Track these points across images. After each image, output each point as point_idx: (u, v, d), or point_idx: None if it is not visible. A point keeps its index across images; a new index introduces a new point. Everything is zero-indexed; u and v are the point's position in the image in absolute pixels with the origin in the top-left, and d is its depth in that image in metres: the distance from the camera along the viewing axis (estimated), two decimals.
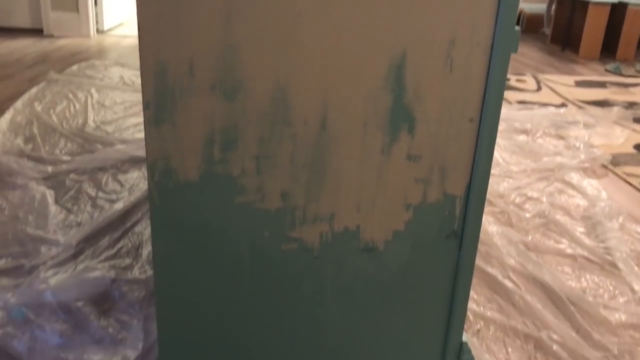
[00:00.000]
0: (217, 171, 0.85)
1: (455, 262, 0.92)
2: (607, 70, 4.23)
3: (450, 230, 0.90)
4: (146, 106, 0.81)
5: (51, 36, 4.33)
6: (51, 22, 4.34)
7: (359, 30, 0.79)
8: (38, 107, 2.60)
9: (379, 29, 0.79)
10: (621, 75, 4.10)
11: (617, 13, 4.67)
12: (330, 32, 0.79)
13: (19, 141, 2.21)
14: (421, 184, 0.87)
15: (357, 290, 0.94)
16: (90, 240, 1.53)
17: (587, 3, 4.60)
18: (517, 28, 0.79)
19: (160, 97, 0.80)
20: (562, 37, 4.91)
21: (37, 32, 4.39)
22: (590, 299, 1.41)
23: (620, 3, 4.63)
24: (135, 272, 1.38)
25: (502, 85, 0.81)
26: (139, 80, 3.20)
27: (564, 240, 1.71)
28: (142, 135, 2.34)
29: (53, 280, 1.29)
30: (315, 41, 0.79)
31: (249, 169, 0.85)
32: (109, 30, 4.73)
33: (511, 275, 1.51)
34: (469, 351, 0.97)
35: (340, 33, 0.79)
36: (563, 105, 3.20)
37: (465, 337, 0.98)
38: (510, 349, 1.26)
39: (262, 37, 0.78)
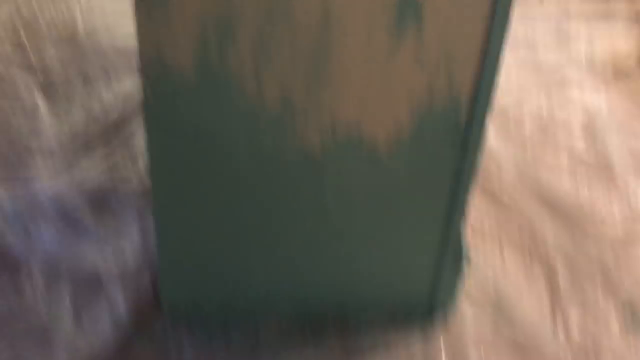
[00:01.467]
0: (213, 68, 0.81)
1: (459, 165, 0.90)
2: None
3: (456, 136, 0.88)
4: None
5: None
6: None
7: None
8: (25, 12, 2.50)
9: None
10: None
11: None
12: None
13: (7, 50, 2.13)
14: (427, 83, 0.84)
15: (358, 195, 0.93)
16: (86, 149, 1.51)
17: None
18: None
19: None
20: None
21: None
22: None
23: None
24: (134, 181, 1.36)
25: None
26: None
27: (563, 155, 1.69)
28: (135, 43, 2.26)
29: (51, 189, 1.28)
30: None
31: (247, 67, 0.82)
32: None
33: (509, 189, 1.50)
34: (467, 254, 0.98)
35: None
36: (565, 15, 3.10)
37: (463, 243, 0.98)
38: (506, 260, 1.27)
39: None
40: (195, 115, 0.85)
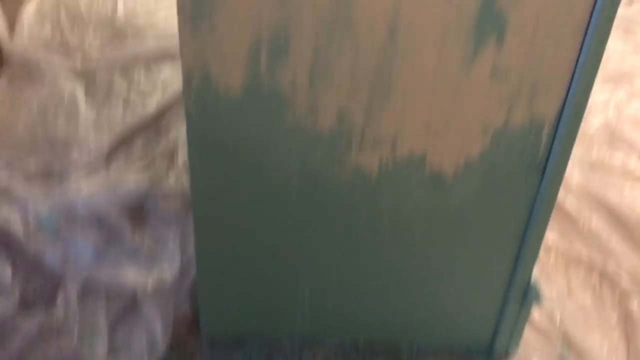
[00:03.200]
0: (263, 84, 0.72)
1: (534, 197, 0.80)
2: None
3: (533, 160, 0.77)
4: (181, 3, 0.67)
5: None
6: None
7: None
8: None
9: None
10: None
11: None
12: None
13: (46, 32, 2.08)
14: (505, 105, 0.73)
15: (417, 223, 0.84)
16: (122, 145, 1.45)
17: None
18: None
19: None
20: None
21: None
22: None
23: None
24: (171, 182, 1.29)
25: None
26: None
27: (632, 158, 1.56)
28: (176, 27, 2.19)
29: (85, 189, 1.22)
30: None
31: (300, 83, 0.73)
32: None
33: (574, 196, 1.38)
34: (537, 293, 0.88)
35: None
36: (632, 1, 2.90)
37: (534, 278, 0.88)
38: (572, 279, 1.16)
39: None
40: (242, 132, 0.77)
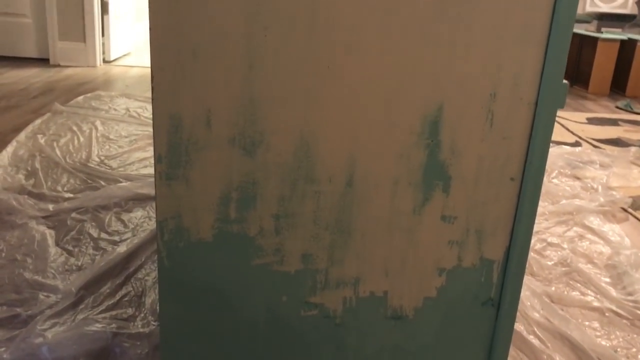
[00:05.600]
0: (232, 230, 0.78)
1: (492, 332, 0.84)
2: (617, 107, 4.17)
3: (487, 297, 0.82)
4: (158, 160, 0.74)
5: (57, 66, 4.31)
6: (58, 52, 4.32)
7: (392, 82, 0.72)
8: (41, 140, 2.54)
9: (414, 81, 0.73)
10: (632, 112, 4.04)
11: (627, 49, 4.65)
12: (360, 84, 0.72)
13: (21, 176, 2.14)
14: (456, 247, 0.80)
15: (382, 358, 0.86)
16: (91, 286, 1.45)
17: (596, 39, 4.58)
18: (565, 82, 0.72)
19: (173, 151, 0.74)
20: (571, 73, 4.87)
21: (43, 61, 4.36)
22: (623, 359, 1.32)
23: (629, 39, 4.61)
24: (138, 325, 1.29)
25: (547, 142, 0.74)
26: (145, 113, 3.15)
27: (589, 292, 1.62)
28: (147, 171, 2.27)
29: (50, 334, 1.21)
30: (343, 94, 0.73)
31: (267, 229, 0.78)
32: (116, 60, 4.71)
33: (537, 330, 1.42)
34: None
35: (371, 86, 0.72)
36: (577, 143, 3.14)
37: None
38: None
39: (286, 89, 0.72)
40: (211, 275, 0.81)
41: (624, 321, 1.49)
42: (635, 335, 1.43)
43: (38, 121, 2.80)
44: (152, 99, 0.72)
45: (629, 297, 1.58)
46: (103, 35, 4.46)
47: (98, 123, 2.85)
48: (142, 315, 1.35)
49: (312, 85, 0.72)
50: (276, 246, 0.79)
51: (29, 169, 2.21)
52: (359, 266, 0.81)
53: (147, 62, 4.64)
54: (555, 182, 2.48)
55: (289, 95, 0.72)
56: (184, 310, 0.82)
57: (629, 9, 5.51)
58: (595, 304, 1.55)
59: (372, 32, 0.70)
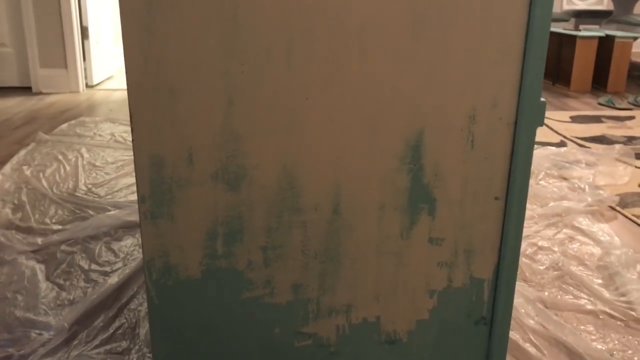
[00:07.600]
0: (221, 266, 0.77)
1: (486, 350, 0.84)
2: (600, 104, 4.21)
3: (479, 316, 0.82)
4: (142, 200, 0.74)
5: (40, 93, 4.29)
6: (39, 79, 4.30)
7: (372, 110, 0.73)
8: (27, 172, 2.52)
9: (394, 108, 0.73)
10: (614, 108, 4.08)
11: (605, 46, 4.70)
12: (341, 114, 0.72)
13: (7, 210, 2.12)
14: (445, 269, 0.80)
15: None
16: (83, 320, 1.44)
17: (575, 37, 4.63)
18: (543, 100, 0.73)
19: (157, 190, 0.73)
20: (552, 72, 4.92)
21: (25, 89, 4.34)
22: None
23: (607, 36, 4.66)
24: (133, 358, 1.28)
25: (529, 160, 0.75)
26: (130, 137, 3.14)
27: (582, 295, 1.62)
28: (135, 197, 2.26)
29: None
30: (323, 123, 0.73)
31: (256, 261, 0.78)
32: (98, 84, 4.70)
33: (532, 338, 1.42)
34: None
35: (351, 114, 0.73)
36: (562, 143, 3.16)
37: None
38: None
39: (266, 122, 0.72)
40: (202, 311, 0.80)
41: (619, 323, 1.49)
42: (630, 337, 1.44)
43: (23, 152, 2.78)
44: (132, 140, 0.72)
45: (622, 298, 1.59)
46: (84, 60, 4.45)
47: (84, 150, 2.84)
48: (137, 347, 1.34)
49: (292, 117, 0.72)
50: (266, 278, 0.79)
51: (16, 202, 2.19)
52: (350, 293, 0.80)
53: None
54: (543, 183, 2.50)
55: (270, 128, 0.72)
56: (177, 348, 0.82)
57: (605, 5, 5.58)
58: (589, 307, 1.56)
59: (348, 60, 0.71)
